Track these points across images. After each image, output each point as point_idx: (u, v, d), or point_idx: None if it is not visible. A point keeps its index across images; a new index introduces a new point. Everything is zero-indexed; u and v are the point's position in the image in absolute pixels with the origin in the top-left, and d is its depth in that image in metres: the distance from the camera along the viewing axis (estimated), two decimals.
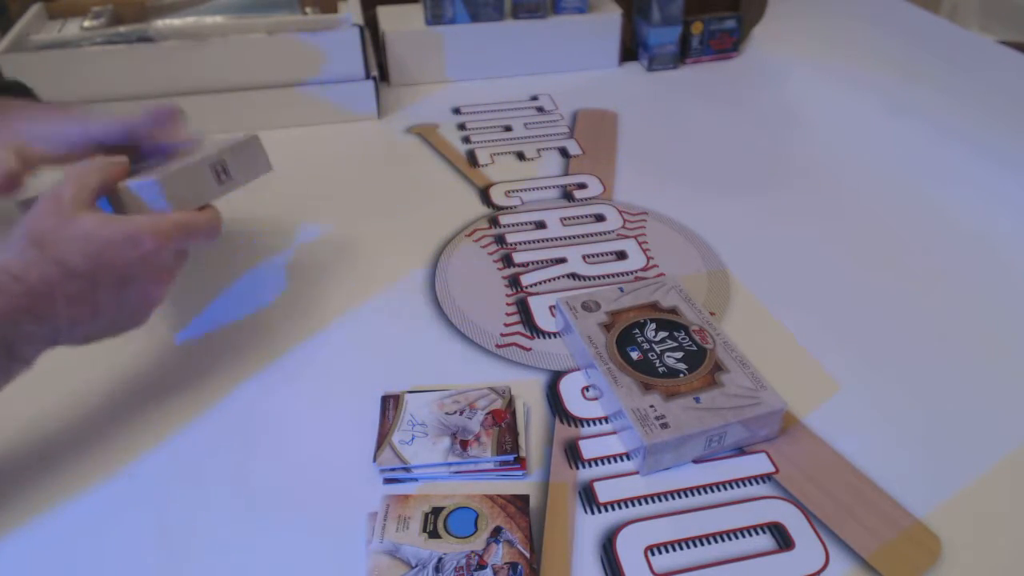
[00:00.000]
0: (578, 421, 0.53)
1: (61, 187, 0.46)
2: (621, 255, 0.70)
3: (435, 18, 1.00)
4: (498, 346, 0.60)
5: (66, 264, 0.44)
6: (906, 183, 0.80)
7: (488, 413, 0.52)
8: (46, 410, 0.53)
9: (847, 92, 0.95)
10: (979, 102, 0.85)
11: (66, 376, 0.53)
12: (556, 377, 0.57)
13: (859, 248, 0.71)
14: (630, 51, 1.10)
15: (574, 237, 0.73)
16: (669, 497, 0.48)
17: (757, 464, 0.50)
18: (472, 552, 0.43)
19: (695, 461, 0.50)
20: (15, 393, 0.45)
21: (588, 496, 0.48)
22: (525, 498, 0.47)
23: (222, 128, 0.89)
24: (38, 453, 0.50)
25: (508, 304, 0.64)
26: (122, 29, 0.88)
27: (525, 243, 0.72)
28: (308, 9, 0.97)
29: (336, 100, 0.92)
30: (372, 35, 0.99)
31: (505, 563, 0.43)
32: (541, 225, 0.74)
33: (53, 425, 0.52)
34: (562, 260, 0.69)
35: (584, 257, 0.70)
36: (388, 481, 0.49)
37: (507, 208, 0.77)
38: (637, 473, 0.49)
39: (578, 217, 0.76)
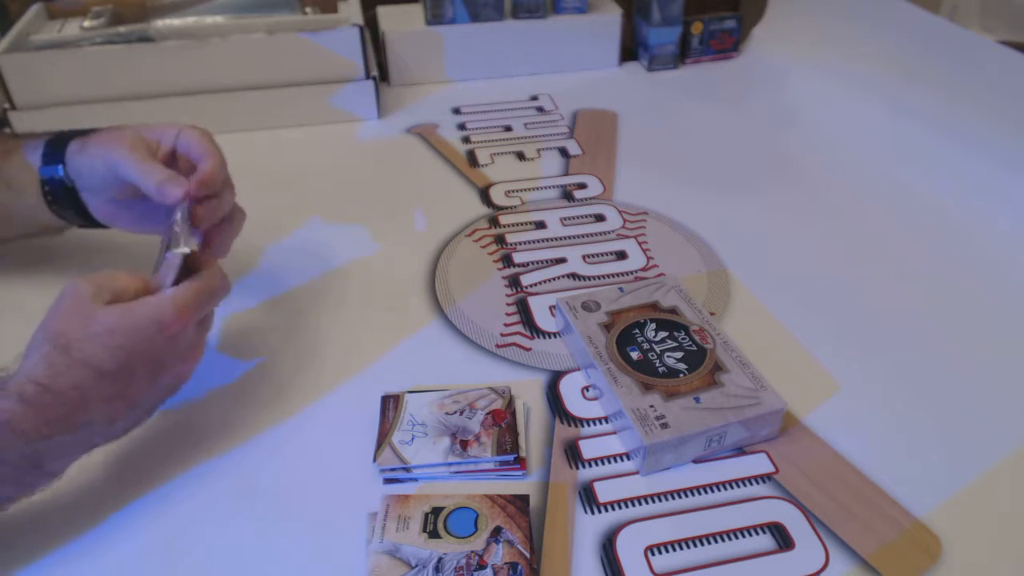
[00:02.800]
0: (578, 421, 0.53)
1: (79, 284, 0.44)
2: (621, 255, 0.70)
3: (435, 18, 1.00)
4: (498, 346, 0.60)
5: (95, 365, 0.42)
6: (906, 183, 0.80)
7: (488, 413, 0.52)
8: None
9: (847, 92, 0.95)
10: (979, 102, 0.85)
11: None
12: (556, 377, 0.57)
13: (859, 248, 0.71)
14: (630, 51, 1.10)
15: (574, 237, 0.73)
16: (669, 497, 0.48)
17: (757, 464, 0.50)
18: (472, 552, 0.43)
19: (695, 461, 0.50)
20: None
21: (588, 496, 0.48)
22: (525, 498, 0.47)
23: (222, 128, 0.89)
24: None
25: (508, 304, 0.64)
26: (122, 29, 0.88)
27: (525, 243, 0.72)
28: (308, 9, 0.97)
29: (336, 100, 0.92)
30: (372, 35, 0.99)
31: (505, 563, 0.43)
32: (541, 225, 0.74)
33: None
34: (562, 260, 0.69)
35: (584, 257, 0.70)
36: (388, 481, 0.49)
37: (507, 208, 0.77)
38: (637, 473, 0.49)
39: (578, 217, 0.76)
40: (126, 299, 0.45)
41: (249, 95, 0.89)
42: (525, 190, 0.80)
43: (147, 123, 0.57)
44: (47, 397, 0.41)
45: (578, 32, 1.04)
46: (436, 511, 0.46)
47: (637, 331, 0.56)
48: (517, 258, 0.70)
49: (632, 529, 0.46)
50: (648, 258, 0.70)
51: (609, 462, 0.50)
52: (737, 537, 0.45)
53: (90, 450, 0.44)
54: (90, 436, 0.43)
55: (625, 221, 0.75)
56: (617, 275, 0.68)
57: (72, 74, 0.84)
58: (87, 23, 0.90)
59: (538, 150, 0.88)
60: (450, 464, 0.49)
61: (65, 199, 0.56)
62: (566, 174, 0.83)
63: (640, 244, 0.71)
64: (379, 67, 0.99)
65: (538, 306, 0.64)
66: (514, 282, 0.67)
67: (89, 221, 0.58)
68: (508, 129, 0.93)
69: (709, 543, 0.45)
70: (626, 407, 0.50)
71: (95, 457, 0.50)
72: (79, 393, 0.41)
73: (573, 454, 0.51)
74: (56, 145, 0.56)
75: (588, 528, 0.46)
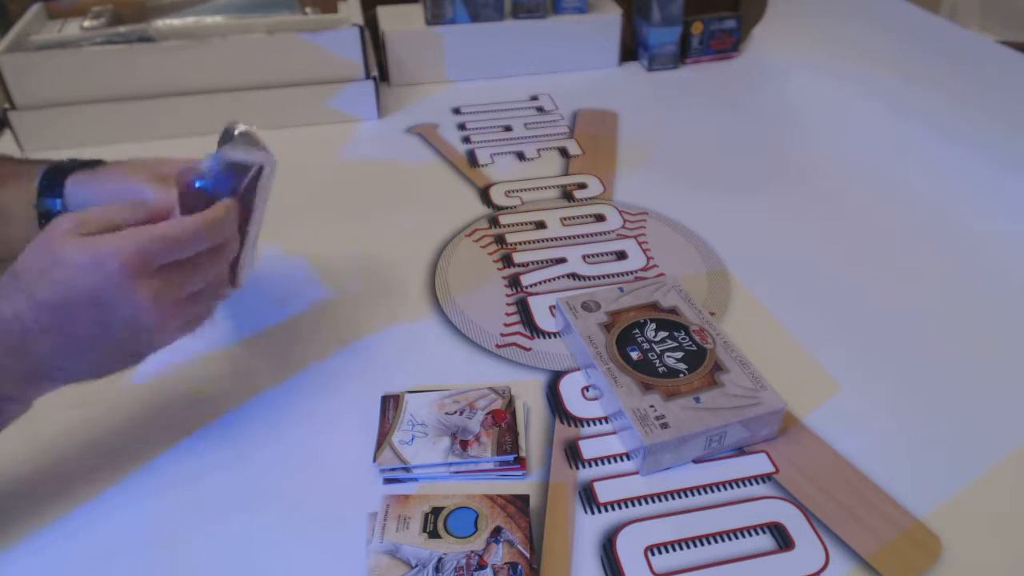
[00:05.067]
0: (578, 421, 0.53)
1: (66, 216, 0.44)
2: (621, 255, 0.70)
3: (435, 18, 1.00)
4: (498, 346, 0.60)
5: (33, 294, 0.41)
6: (906, 183, 0.80)
7: (488, 413, 0.52)
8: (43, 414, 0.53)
9: (847, 92, 0.95)
10: (979, 102, 0.85)
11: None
12: (556, 377, 0.57)
13: (859, 247, 0.71)
14: (630, 51, 1.10)
15: (574, 237, 0.73)
16: (669, 497, 0.48)
17: (757, 464, 0.50)
18: (472, 552, 0.43)
19: (695, 461, 0.50)
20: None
21: (588, 496, 0.48)
22: (525, 498, 0.47)
23: (221, 128, 0.89)
24: (46, 457, 0.50)
25: (508, 304, 0.64)
26: (122, 29, 0.88)
27: (525, 243, 0.72)
28: (308, 9, 0.97)
29: (336, 100, 0.92)
30: (372, 35, 0.99)
31: (505, 563, 0.43)
32: (541, 225, 0.74)
33: (52, 428, 0.52)
34: (562, 260, 0.69)
35: (584, 257, 0.70)
36: (388, 481, 0.49)
37: (507, 208, 0.77)
38: (637, 473, 0.49)
39: (578, 217, 0.76)
40: (104, 225, 0.44)
41: (249, 95, 0.89)
42: (525, 190, 0.80)
43: (161, 157, 0.57)
44: None
45: (578, 32, 1.04)
46: (436, 511, 0.46)
47: (637, 331, 0.56)
48: (517, 258, 0.70)
49: (632, 529, 0.46)
50: (648, 258, 0.70)
51: (609, 462, 0.50)
52: (737, 537, 0.45)
53: (52, 383, 0.44)
54: (41, 368, 0.43)
55: (625, 221, 0.75)
56: (617, 275, 0.68)
57: (72, 74, 0.84)
58: (87, 23, 0.90)
59: (538, 150, 0.88)
60: (450, 464, 0.49)
61: None
62: (566, 174, 0.83)
63: (640, 244, 0.71)
64: (379, 67, 0.99)
65: (538, 306, 0.64)
66: (514, 282, 0.67)
67: None
68: (508, 129, 0.93)
69: (709, 543, 0.45)
70: (626, 407, 0.50)
71: (99, 457, 0.50)
72: (16, 319, 0.41)
73: (573, 454, 0.51)
74: (54, 175, 0.56)
75: (588, 528, 0.46)
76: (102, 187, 0.55)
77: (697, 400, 0.50)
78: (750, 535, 0.46)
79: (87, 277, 0.41)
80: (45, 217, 0.56)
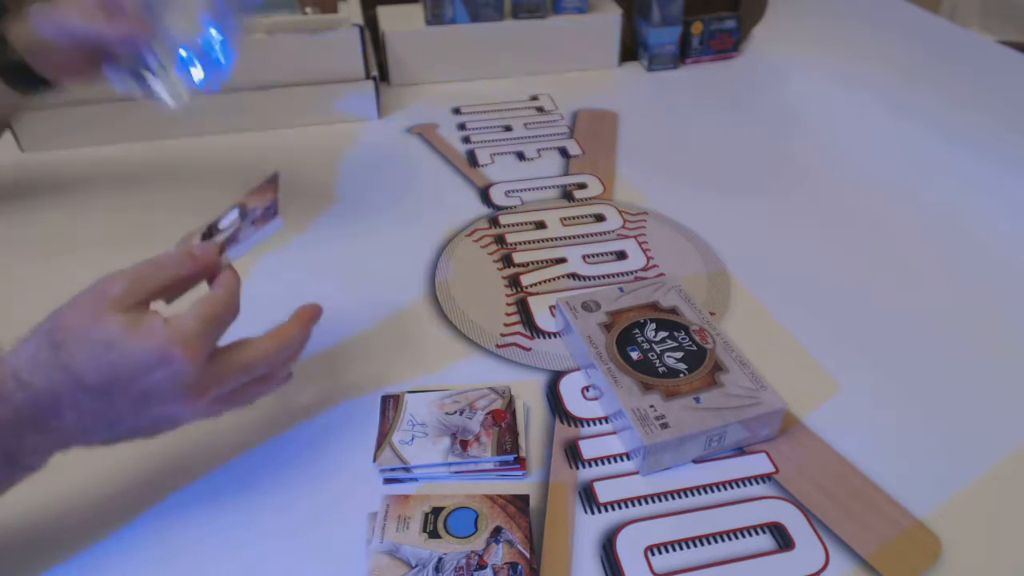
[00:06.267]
0: (578, 421, 0.53)
1: (110, 280, 0.41)
2: (621, 255, 0.70)
3: (435, 18, 1.00)
4: (498, 346, 0.60)
5: (77, 373, 0.38)
6: (906, 183, 0.80)
7: (488, 413, 0.52)
8: None
9: (847, 92, 0.95)
10: (979, 102, 0.85)
11: None
12: (556, 377, 0.57)
13: (859, 248, 0.71)
14: (630, 51, 1.10)
15: (574, 237, 0.73)
16: (669, 497, 0.48)
17: (757, 464, 0.50)
18: (472, 552, 0.43)
19: (695, 461, 0.50)
20: None
21: (588, 496, 0.48)
22: (525, 498, 0.47)
23: (223, 128, 0.90)
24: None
25: (508, 304, 0.64)
26: None
27: (525, 243, 0.72)
28: (308, 9, 0.97)
29: (336, 100, 0.92)
30: (372, 35, 0.99)
31: (505, 563, 0.43)
32: (541, 225, 0.74)
33: None
34: (562, 260, 0.69)
35: (584, 257, 0.70)
36: (388, 481, 0.49)
37: (507, 208, 0.77)
38: (637, 473, 0.49)
39: (578, 217, 0.76)
40: (157, 297, 0.42)
41: (249, 95, 0.89)
42: (525, 190, 0.80)
43: None
44: (20, 396, 0.38)
45: (578, 32, 1.04)
46: (436, 511, 0.46)
47: (637, 331, 0.56)
48: (517, 258, 0.70)
49: (632, 529, 0.46)
50: (648, 258, 0.70)
51: (609, 462, 0.50)
52: (737, 537, 0.45)
53: (67, 449, 0.42)
54: (64, 439, 0.41)
55: (625, 221, 0.75)
56: (617, 275, 0.68)
57: None
58: None
59: (538, 150, 0.88)
60: (450, 464, 0.49)
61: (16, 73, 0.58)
62: (566, 174, 0.83)
63: (640, 244, 0.71)
64: (379, 67, 0.99)
65: (538, 306, 0.64)
66: (514, 282, 0.67)
67: (44, 85, 0.60)
68: (508, 129, 0.92)
69: (709, 543, 0.45)
70: (626, 407, 0.50)
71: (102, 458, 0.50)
72: (52, 397, 0.39)
73: (573, 454, 0.51)
74: None
75: (588, 528, 0.46)
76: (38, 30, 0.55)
77: (697, 400, 0.50)
78: (750, 535, 0.46)
79: (145, 373, 0.39)
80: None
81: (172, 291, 0.44)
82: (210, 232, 0.51)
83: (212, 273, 0.45)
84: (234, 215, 0.51)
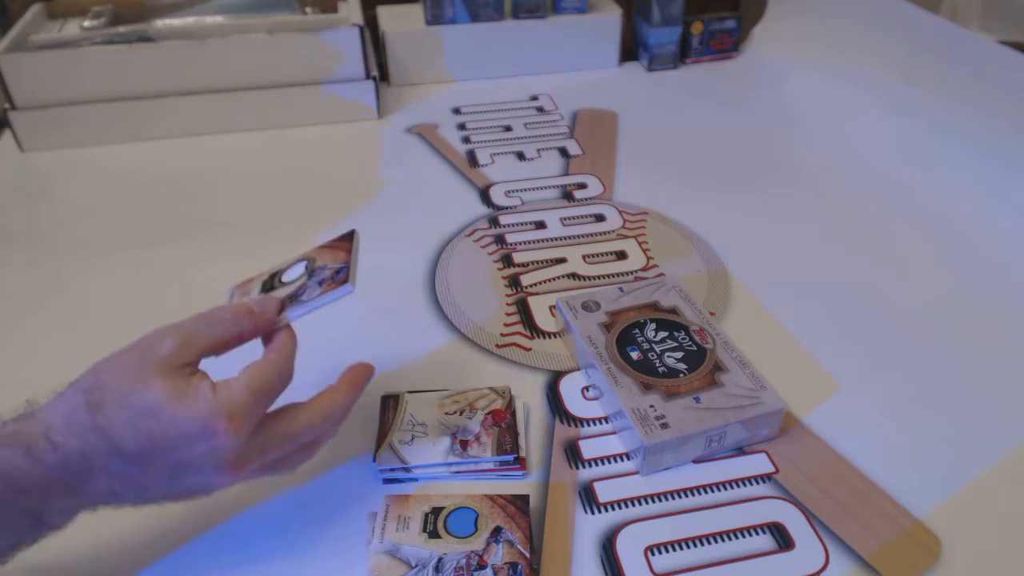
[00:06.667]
0: (578, 421, 0.53)
1: (159, 336, 0.39)
2: (621, 255, 0.70)
3: (435, 18, 1.00)
4: (498, 346, 0.60)
5: (113, 439, 0.36)
6: (906, 183, 0.80)
7: (488, 413, 0.52)
8: None
9: (847, 92, 0.95)
10: (979, 102, 0.85)
11: None
12: (556, 377, 0.57)
13: (859, 248, 0.71)
14: (630, 51, 1.10)
15: (574, 237, 0.73)
16: (669, 497, 0.48)
17: (757, 464, 0.50)
18: (472, 552, 0.43)
19: (695, 461, 0.50)
20: None
21: (588, 496, 0.48)
22: (525, 498, 0.47)
23: (222, 128, 0.90)
24: None
25: (508, 304, 0.64)
26: (122, 29, 0.88)
27: (525, 243, 0.72)
28: (308, 9, 0.97)
29: (336, 100, 0.92)
30: (372, 35, 0.99)
31: (505, 563, 0.43)
32: (541, 225, 0.74)
33: None
34: (562, 260, 0.69)
35: (584, 257, 0.70)
36: (388, 481, 0.49)
37: (507, 208, 0.77)
38: (637, 473, 0.49)
39: (578, 217, 0.76)
40: (208, 355, 0.40)
41: (249, 95, 0.89)
42: (525, 190, 0.80)
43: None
44: (52, 457, 0.36)
45: (578, 32, 1.04)
46: (436, 511, 0.46)
47: (637, 331, 0.56)
48: (517, 258, 0.70)
49: (632, 529, 0.46)
50: (648, 258, 0.70)
51: (609, 462, 0.50)
52: (737, 537, 0.45)
53: (94, 509, 0.39)
54: (92, 501, 0.39)
55: (625, 221, 0.75)
56: (617, 275, 0.68)
57: (72, 74, 0.84)
58: (87, 23, 0.90)
59: (538, 150, 0.88)
60: (450, 464, 0.49)
61: None
62: (566, 174, 0.83)
63: (640, 244, 0.71)
64: (379, 67, 0.99)
65: (538, 306, 0.64)
66: (514, 282, 0.67)
67: None
68: (508, 129, 0.92)
69: (709, 543, 0.45)
70: (626, 407, 0.50)
71: None
72: (84, 461, 0.36)
73: (573, 454, 0.51)
74: None
75: (588, 528, 0.46)
76: None
77: (697, 400, 0.50)
78: (750, 535, 0.46)
79: (185, 445, 0.37)
80: None
81: (225, 348, 0.41)
82: (272, 281, 0.48)
83: (269, 330, 0.43)
84: (300, 269, 0.48)
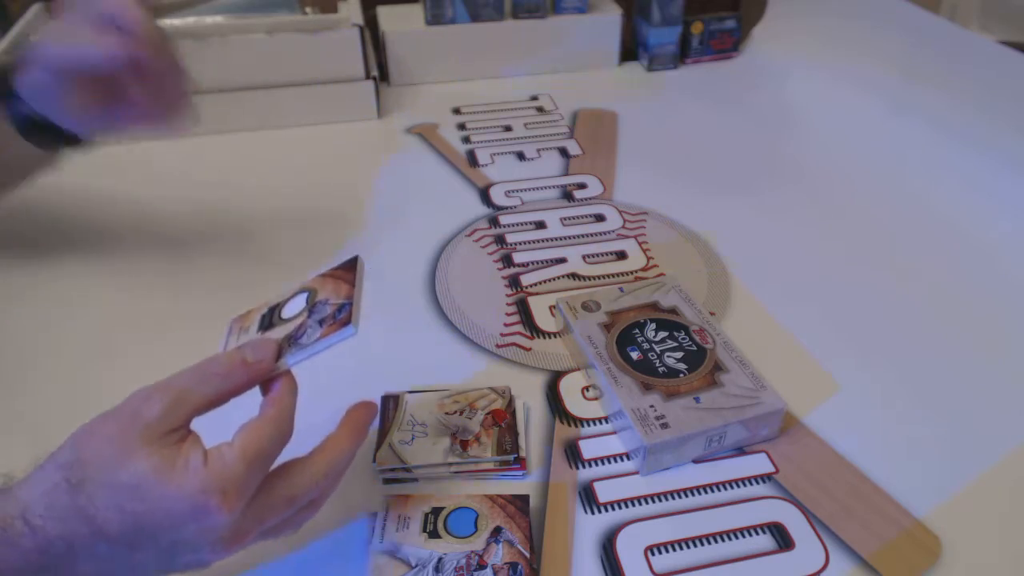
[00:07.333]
0: (578, 421, 0.53)
1: (145, 399, 0.35)
2: (621, 255, 0.70)
3: (435, 18, 1.00)
4: (498, 346, 0.60)
5: (96, 522, 0.33)
6: (906, 183, 0.80)
7: (488, 413, 0.52)
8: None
9: (847, 92, 0.95)
10: (979, 102, 0.85)
11: None
12: (556, 377, 0.57)
13: (859, 248, 0.71)
14: (630, 51, 1.10)
15: (574, 237, 0.73)
16: (669, 497, 0.48)
17: (757, 464, 0.50)
18: (472, 552, 0.43)
19: (695, 461, 0.50)
20: None
21: (588, 496, 0.48)
22: (525, 498, 0.47)
23: (222, 128, 0.90)
24: None
25: (508, 304, 0.64)
26: None
27: (525, 243, 0.72)
28: (308, 9, 0.97)
29: (336, 100, 0.92)
30: (372, 35, 0.99)
31: (505, 563, 0.43)
32: (541, 225, 0.74)
33: None
34: (562, 260, 0.69)
35: (584, 257, 0.70)
36: (388, 481, 0.49)
37: (507, 208, 0.77)
38: (637, 473, 0.49)
39: (578, 217, 0.76)
40: (200, 414, 0.37)
41: (249, 95, 0.89)
42: (525, 190, 0.80)
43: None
44: (29, 541, 0.33)
45: (578, 32, 1.04)
46: (436, 511, 0.46)
47: (637, 331, 0.56)
48: (517, 258, 0.70)
49: (632, 529, 0.46)
50: (648, 258, 0.70)
51: (609, 462, 0.50)
52: (737, 537, 0.45)
53: None
54: None
55: (625, 221, 0.75)
56: (617, 275, 0.68)
57: None
58: None
59: (538, 150, 0.88)
60: (450, 464, 0.49)
61: (40, 129, 0.52)
62: (566, 174, 0.83)
63: (640, 244, 0.71)
64: (379, 67, 0.99)
65: (538, 306, 0.64)
66: (514, 282, 0.67)
67: (71, 140, 0.55)
68: (508, 129, 0.92)
69: (709, 543, 0.45)
70: (626, 407, 0.50)
71: None
72: (66, 546, 0.34)
73: (573, 454, 0.51)
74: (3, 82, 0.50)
75: (588, 528, 0.46)
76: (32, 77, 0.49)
77: (697, 400, 0.50)
78: (750, 535, 0.46)
79: (175, 526, 0.34)
80: (21, 122, 0.51)
81: (217, 405, 0.38)
82: (271, 316, 0.45)
83: (266, 378, 0.40)
84: (300, 303, 0.45)
